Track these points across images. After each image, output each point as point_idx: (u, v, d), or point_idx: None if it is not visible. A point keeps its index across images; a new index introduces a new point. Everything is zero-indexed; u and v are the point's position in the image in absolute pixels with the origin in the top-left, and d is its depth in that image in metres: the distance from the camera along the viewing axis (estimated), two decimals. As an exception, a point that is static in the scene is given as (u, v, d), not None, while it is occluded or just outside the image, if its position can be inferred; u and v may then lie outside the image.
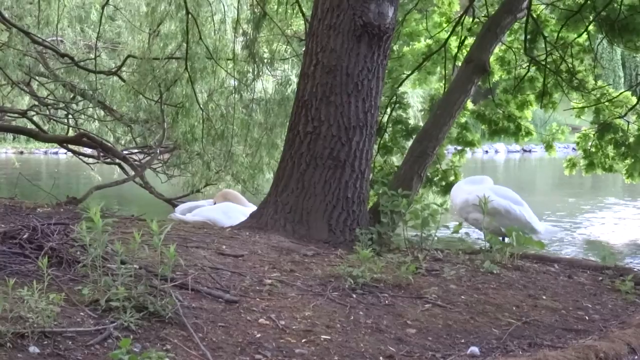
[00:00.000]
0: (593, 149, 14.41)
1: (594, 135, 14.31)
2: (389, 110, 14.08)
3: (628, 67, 54.81)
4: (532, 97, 14.23)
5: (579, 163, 14.86)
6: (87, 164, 18.16)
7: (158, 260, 5.23)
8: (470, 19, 13.85)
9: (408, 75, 14.30)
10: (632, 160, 14.03)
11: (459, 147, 15.09)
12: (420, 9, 14.71)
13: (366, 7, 7.86)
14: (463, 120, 14.71)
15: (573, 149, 16.60)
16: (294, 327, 4.95)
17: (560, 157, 16.43)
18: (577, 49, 13.73)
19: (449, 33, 13.96)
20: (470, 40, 13.44)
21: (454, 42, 14.03)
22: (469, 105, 14.62)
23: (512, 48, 14.05)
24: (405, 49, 14.84)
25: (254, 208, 9.45)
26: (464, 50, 13.47)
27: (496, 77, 14.33)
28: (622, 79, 53.42)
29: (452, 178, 14.29)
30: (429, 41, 14.63)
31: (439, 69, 14.48)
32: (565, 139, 15.94)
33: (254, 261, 6.41)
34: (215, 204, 10.60)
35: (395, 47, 14.21)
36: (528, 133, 14.61)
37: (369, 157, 8.13)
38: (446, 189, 14.08)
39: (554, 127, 15.31)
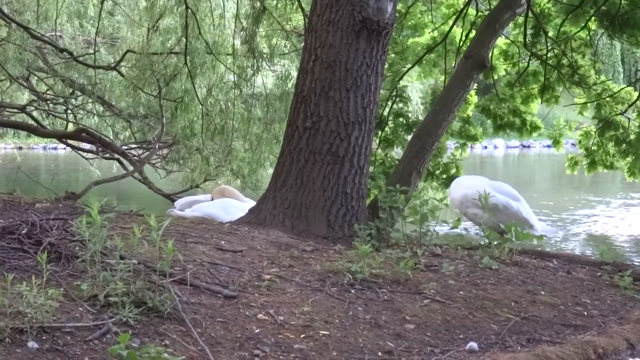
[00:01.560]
0: (594, 147, 14.40)
1: (595, 132, 14.29)
2: (389, 103, 14.08)
3: (627, 63, 54.83)
4: (536, 91, 14.22)
5: (580, 162, 14.85)
6: (86, 159, 18.15)
7: (157, 255, 5.23)
8: (475, 13, 13.84)
9: (409, 69, 14.29)
10: (634, 157, 14.01)
11: (461, 142, 15.08)
12: (424, 1, 14.72)
13: (365, 2, 7.86)
14: (466, 114, 14.69)
15: (572, 144, 16.60)
16: (292, 322, 4.95)
17: (560, 152, 16.39)
18: (578, 44, 13.73)
19: (450, 26, 13.95)
20: (474, 33, 13.44)
21: (458, 35, 14.02)
22: (475, 99, 14.62)
23: (515, 42, 14.04)
24: (410, 41, 14.83)
25: (251, 203, 9.45)
26: (468, 43, 13.47)
27: (502, 72, 14.32)
28: (622, 75, 53.43)
29: (453, 171, 14.30)
30: (434, 33, 14.61)
31: (439, 58, 14.46)
32: (565, 135, 15.94)
33: (253, 256, 6.41)
34: (212, 199, 10.59)
35: (398, 39, 14.22)
36: (535, 128, 14.58)
37: (367, 153, 8.13)
38: (447, 182, 14.07)
39: (561, 122, 15.29)
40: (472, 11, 14.01)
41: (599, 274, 7.23)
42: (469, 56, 10.31)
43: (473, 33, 13.51)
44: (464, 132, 14.82)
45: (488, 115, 14.69)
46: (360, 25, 7.87)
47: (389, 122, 14.30)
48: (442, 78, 14.85)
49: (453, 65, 13.63)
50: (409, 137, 13.76)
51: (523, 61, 14.21)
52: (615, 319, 5.74)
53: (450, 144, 16.11)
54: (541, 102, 14.20)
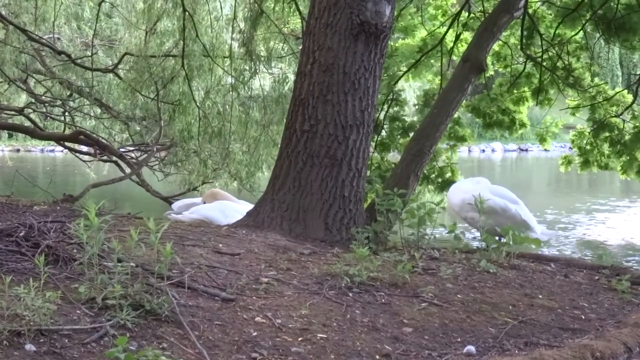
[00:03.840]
0: (588, 147, 14.43)
1: (589, 133, 14.31)
2: (385, 107, 14.10)
3: (625, 66, 54.80)
4: (528, 93, 14.24)
5: (574, 160, 14.88)
6: (84, 161, 18.14)
7: (154, 258, 5.23)
8: (467, 14, 13.85)
9: (405, 72, 14.30)
10: (628, 157, 14.03)
11: (451, 143, 15.08)
12: (417, 4, 14.71)
13: (363, 5, 7.86)
14: (455, 115, 14.69)
15: (570, 148, 16.62)
16: (290, 325, 4.95)
17: (557, 156, 16.42)
18: (574, 47, 13.74)
19: (445, 29, 13.96)
20: (465, 36, 13.46)
21: (449, 37, 14.03)
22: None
23: (508, 44, 14.05)
24: (400, 42, 14.85)
25: (247, 205, 9.45)
26: (459, 45, 13.51)
27: (491, 72, 14.32)
28: (620, 77, 53.42)
29: (448, 175, 14.31)
30: (425, 36, 14.62)
31: (432, 61, 14.48)
32: (561, 138, 15.97)
33: (251, 259, 6.41)
34: (204, 203, 10.57)
35: (390, 42, 14.22)
36: (522, 125, 14.62)
37: (365, 156, 8.14)
38: (443, 186, 14.11)
39: (548, 120, 15.32)
40: (463, 12, 14.01)
41: (597, 277, 7.23)
42: (466, 59, 10.31)
43: (464, 35, 13.57)
44: (453, 133, 14.81)
45: (477, 115, 14.72)
46: (358, 29, 7.87)
47: (385, 126, 14.31)
48: (431, 78, 14.90)
49: (448, 69, 13.65)
50: (405, 141, 13.82)
51: (516, 63, 14.23)
52: (613, 323, 5.75)
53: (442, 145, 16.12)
54: (536, 104, 14.22)
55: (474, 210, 8.78)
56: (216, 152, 16.16)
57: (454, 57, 13.41)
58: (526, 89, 14.21)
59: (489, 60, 13.78)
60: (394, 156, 14.74)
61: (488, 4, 13.28)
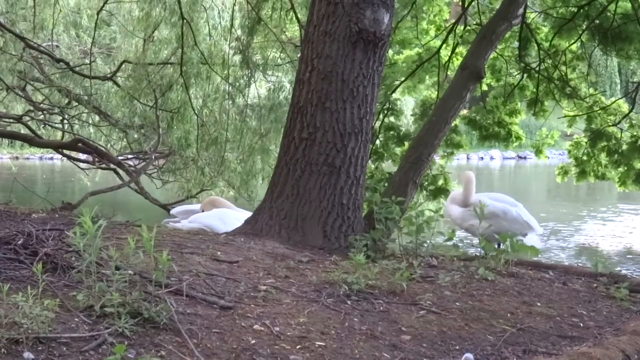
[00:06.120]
0: (585, 157, 14.45)
1: (586, 143, 14.33)
2: (381, 116, 14.13)
3: (624, 73, 54.82)
4: (520, 106, 14.31)
5: (570, 171, 14.90)
6: (82, 169, 18.14)
7: (153, 266, 5.22)
8: (462, 27, 13.89)
9: (401, 82, 14.32)
10: (625, 168, 14.04)
11: (448, 150, 15.13)
12: (414, 15, 14.74)
13: (362, 13, 7.87)
14: (453, 124, 14.75)
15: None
16: (288, 333, 4.95)
17: (555, 163, 16.45)
18: (571, 57, 13.76)
19: (441, 41, 13.99)
20: (461, 49, 13.49)
21: (445, 51, 14.07)
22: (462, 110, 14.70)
23: (503, 56, 14.09)
24: (397, 57, 14.89)
25: (246, 212, 9.45)
26: (454, 59, 13.54)
27: (485, 87, 14.37)
28: (619, 85, 53.45)
29: (440, 182, 14.36)
30: (420, 49, 14.67)
31: (428, 77, 14.55)
32: (560, 145, 16.01)
33: (249, 267, 6.41)
34: (202, 211, 10.56)
35: (387, 54, 14.26)
36: (517, 138, 14.67)
37: (364, 164, 8.13)
38: (435, 194, 14.18)
39: (544, 132, 15.36)
40: (459, 26, 14.06)
41: (595, 285, 7.23)
42: (465, 67, 10.33)
43: (460, 49, 13.60)
44: (450, 140, 14.86)
45: (474, 127, 14.76)
46: (356, 37, 7.87)
47: (380, 135, 14.35)
48: (427, 93, 14.95)
49: (443, 79, 13.69)
50: (400, 150, 13.88)
51: (510, 75, 14.26)
52: (611, 331, 5.75)
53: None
54: (533, 115, 14.25)
55: (475, 217, 8.80)
56: (213, 160, 16.18)
57: (450, 73, 13.45)
58: (518, 100, 14.27)
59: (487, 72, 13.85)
60: (387, 166, 14.80)
61: (484, 17, 13.31)
